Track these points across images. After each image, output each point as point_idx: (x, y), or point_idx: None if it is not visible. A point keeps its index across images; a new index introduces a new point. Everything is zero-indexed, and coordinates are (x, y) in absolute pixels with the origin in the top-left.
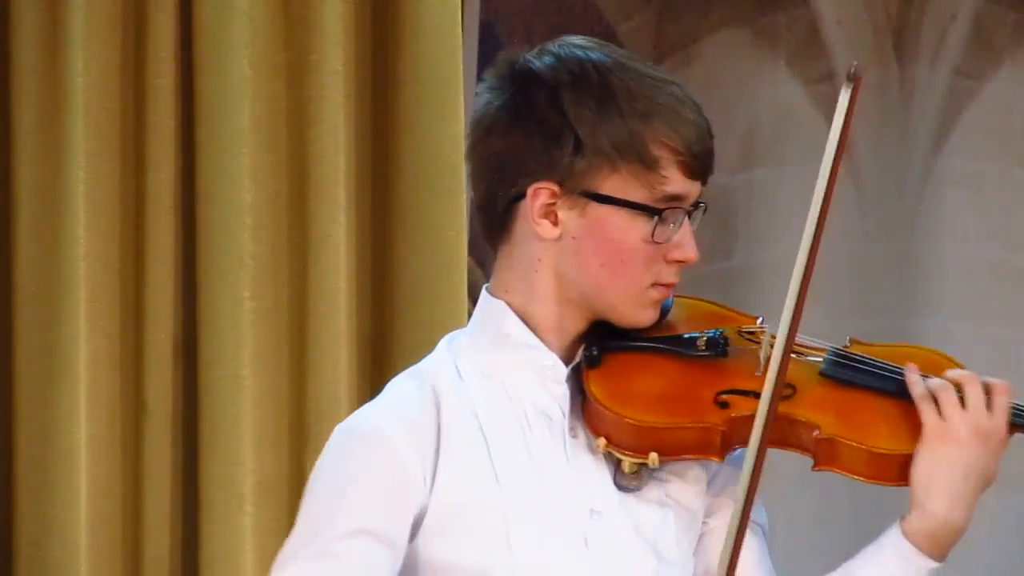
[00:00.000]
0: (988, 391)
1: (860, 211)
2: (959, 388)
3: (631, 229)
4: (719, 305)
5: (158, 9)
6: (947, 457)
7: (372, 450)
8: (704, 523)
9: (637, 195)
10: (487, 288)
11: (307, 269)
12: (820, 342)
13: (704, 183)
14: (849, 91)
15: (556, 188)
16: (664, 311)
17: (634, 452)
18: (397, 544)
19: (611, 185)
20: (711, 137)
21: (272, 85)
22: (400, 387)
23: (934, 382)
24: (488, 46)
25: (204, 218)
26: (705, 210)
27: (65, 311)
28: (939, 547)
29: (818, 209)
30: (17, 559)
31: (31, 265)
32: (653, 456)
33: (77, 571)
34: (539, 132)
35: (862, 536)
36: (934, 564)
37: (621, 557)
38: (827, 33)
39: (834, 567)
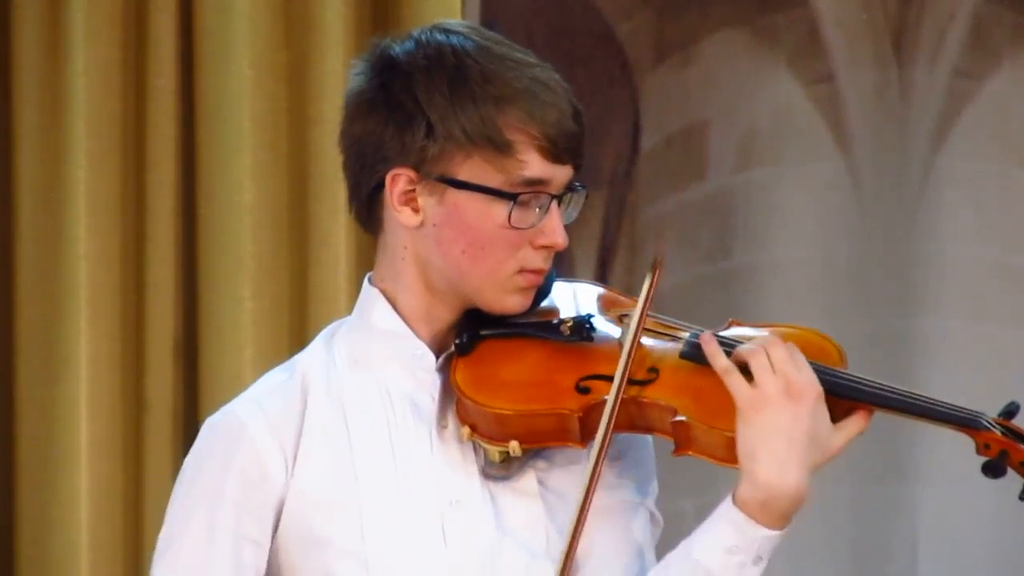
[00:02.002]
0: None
1: (860, 211)
2: (767, 352)
3: (489, 215)
4: (608, 288)
5: (158, 9)
6: (764, 423)
7: (232, 445)
8: None
9: (493, 180)
10: (368, 276)
11: (307, 269)
12: (679, 323)
13: (575, 167)
14: (650, 277)
15: (413, 174)
16: (542, 295)
17: (496, 440)
18: (260, 541)
19: (466, 170)
20: (576, 121)
21: (272, 85)
22: (270, 378)
23: (744, 348)
24: None
25: (204, 218)
26: (587, 196)
27: (66, 311)
28: (773, 516)
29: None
30: (18, 559)
31: (32, 265)
32: (514, 444)
33: (78, 571)
34: (394, 118)
35: (862, 536)
36: (769, 532)
37: (480, 548)
38: (827, 33)
39: (834, 567)
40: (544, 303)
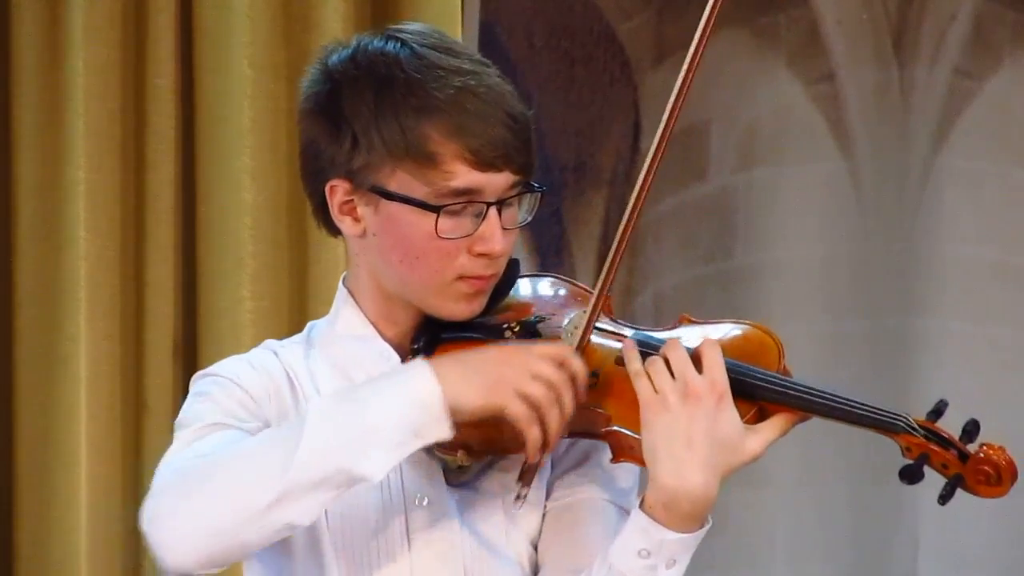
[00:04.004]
0: (697, 353)
1: (860, 211)
2: (665, 358)
3: (418, 225)
4: (572, 283)
5: (158, 9)
6: (663, 426)
7: (224, 381)
8: (545, 505)
9: (418, 191)
10: (343, 276)
11: (307, 269)
12: (626, 324)
13: (517, 172)
14: None
15: (348, 185)
16: (500, 294)
17: (445, 450)
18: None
19: (395, 181)
20: (508, 126)
21: (272, 85)
22: (256, 354)
23: (649, 359)
24: (488, 47)
25: (204, 218)
26: (551, 200)
27: (65, 311)
28: (677, 518)
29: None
30: (18, 558)
31: (31, 265)
32: (461, 454)
33: (77, 571)
34: (325, 129)
35: (862, 536)
36: (676, 535)
37: (443, 549)
38: (827, 33)
39: (834, 567)
40: (509, 301)
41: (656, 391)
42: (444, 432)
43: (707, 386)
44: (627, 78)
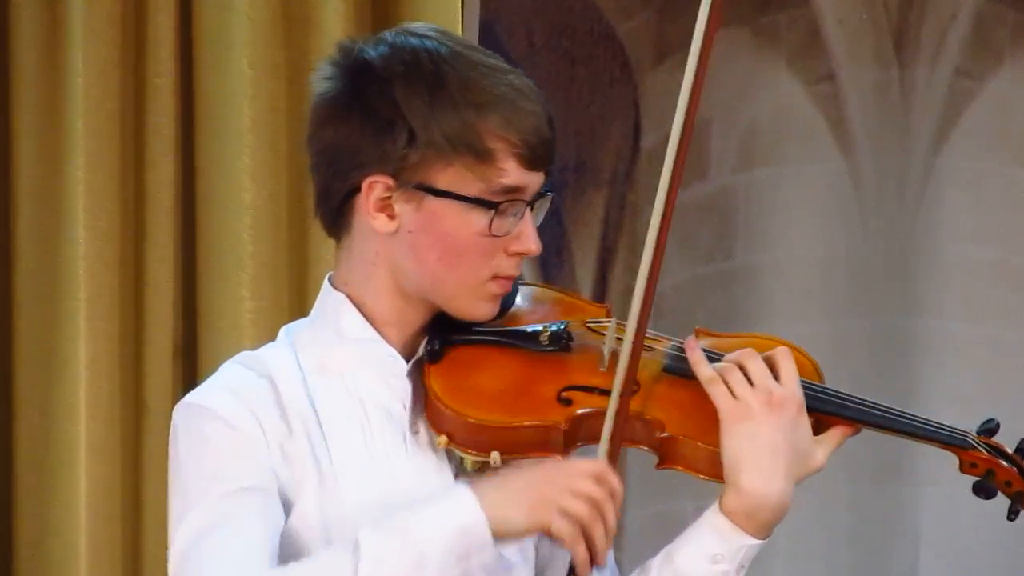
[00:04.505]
0: (772, 363)
1: (860, 211)
2: (742, 367)
3: (468, 223)
4: (567, 293)
5: (158, 9)
6: (747, 434)
7: (216, 424)
8: None
9: (472, 188)
10: (329, 279)
11: (307, 269)
12: (662, 335)
13: (547, 173)
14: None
15: (390, 181)
16: (508, 301)
17: (476, 451)
18: (271, 491)
19: (446, 178)
20: (550, 127)
21: (272, 85)
22: (234, 373)
23: (719, 365)
24: (488, 46)
25: (204, 218)
26: (552, 200)
27: (65, 311)
28: (757, 524)
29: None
30: (17, 559)
31: (31, 265)
32: (495, 455)
33: (77, 571)
34: (372, 124)
35: (862, 536)
36: (753, 541)
37: None
38: (827, 33)
39: (834, 568)
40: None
41: (736, 399)
42: (489, 556)
43: (788, 394)
44: (627, 78)
